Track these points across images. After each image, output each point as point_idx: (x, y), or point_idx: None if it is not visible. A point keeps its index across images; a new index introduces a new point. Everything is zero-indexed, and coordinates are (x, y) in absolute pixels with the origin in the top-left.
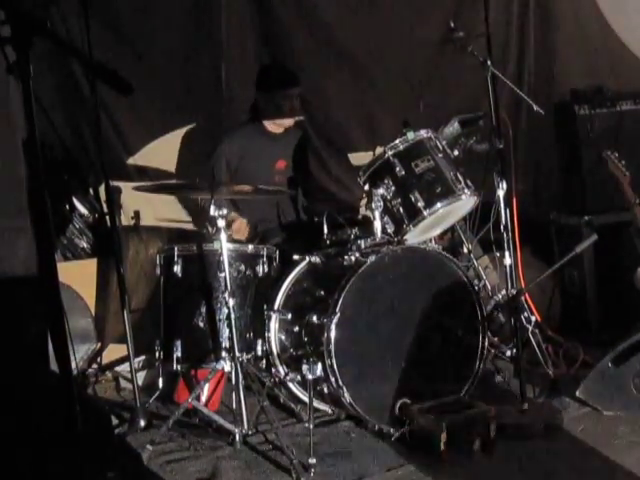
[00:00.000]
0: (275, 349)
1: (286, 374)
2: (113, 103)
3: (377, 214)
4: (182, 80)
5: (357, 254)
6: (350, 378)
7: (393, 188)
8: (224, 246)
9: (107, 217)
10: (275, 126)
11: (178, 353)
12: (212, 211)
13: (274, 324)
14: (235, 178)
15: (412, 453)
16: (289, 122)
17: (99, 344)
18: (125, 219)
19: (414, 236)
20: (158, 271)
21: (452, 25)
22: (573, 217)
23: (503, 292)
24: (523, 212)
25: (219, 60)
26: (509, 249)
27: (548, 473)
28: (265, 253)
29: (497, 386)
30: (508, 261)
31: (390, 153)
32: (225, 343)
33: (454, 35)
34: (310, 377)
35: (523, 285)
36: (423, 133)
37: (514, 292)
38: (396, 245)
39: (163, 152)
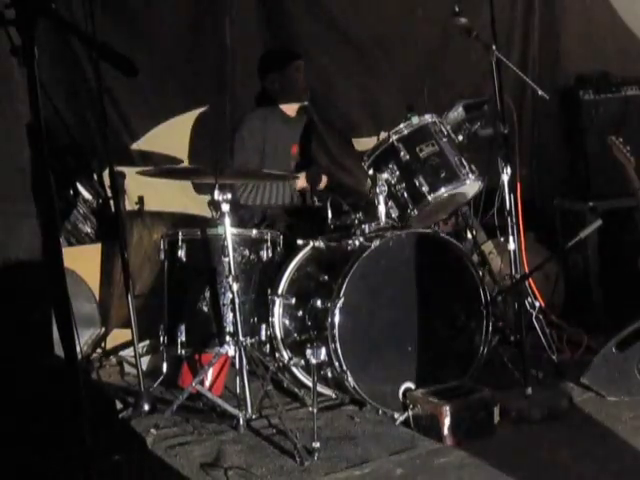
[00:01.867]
0: (279, 334)
1: (290, 359)
2: (117, 88)
3: (381, 199)
4: (187, 64)
5: (361, 239)
6: (354, 362)
7: (397, 173)
8: (228, 231)
9: (111, 202)
10: (290, 108)
11: (182, 338)
12: (216, 195)
13: (278, 309)
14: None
15: (416, 438)
16: (304, 99)
17: (103, 329)
18: (129, 204)
19: (418, 221)
20: (162, 256)
21: (456, 9)
22: (577, 202)
23: (507, 277)
24: (527, 197)
25: (224, 44)
26: (513, 234)
27: (551, 458)
28: (269, 238)
29: (501, 371)
30: (512, 246)
31: (394, 138)
32: (229, 328)
33: (458, 20)
34: (314, 361)
35: (527, 270)
36: (427, 118)
37: (518, 277)
38: (400, 230)
39: (167, 137)
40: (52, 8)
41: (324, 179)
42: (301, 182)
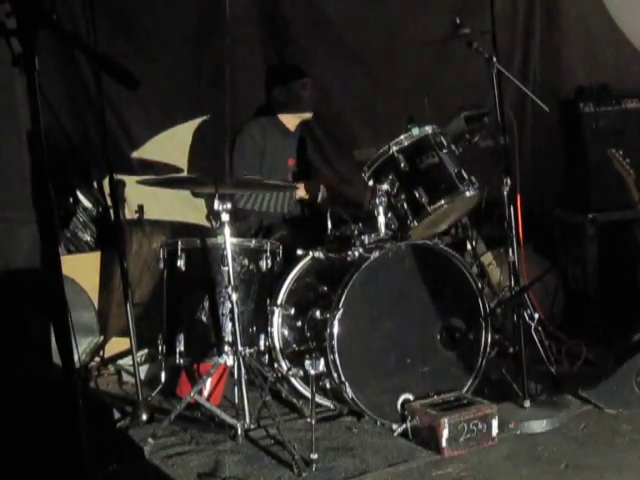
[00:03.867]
0: (278, 344)
1: (288, 369)
2: (117, 97)
3: (381, 210)
4: (187, 74)
5: (361, 250)
6: (352, 374)
7: (397, 184)
8: (227, 240)
9: (111, 211)
10: (291, 121)
11: (181, 347)
12: (216, 205)
13: (277, 319)
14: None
15: (414, 449)
16: (307, 115)
17: (102, 337)
18: (129, 213)
19: (418, 232)
20: (161, 265)
21: (458, 21)
22: (577, 214)
23: (506, 289)
24: (527, 208)
25: (224, 55)
26: (513, 246)
27: (549, 471)
28: (268, 248)
29: (499, 383)
30: (512, 258)
31: (395, 149)
32: (228, 337)
33: (460, 31)
34: (312, 372)
35: (526, 282)
36: (428, 129)
37: (517, 289)
38: (400, 241)
39: (167, 146)
40: (53, 19)
41: (322, 189)
42: (301, 192)
